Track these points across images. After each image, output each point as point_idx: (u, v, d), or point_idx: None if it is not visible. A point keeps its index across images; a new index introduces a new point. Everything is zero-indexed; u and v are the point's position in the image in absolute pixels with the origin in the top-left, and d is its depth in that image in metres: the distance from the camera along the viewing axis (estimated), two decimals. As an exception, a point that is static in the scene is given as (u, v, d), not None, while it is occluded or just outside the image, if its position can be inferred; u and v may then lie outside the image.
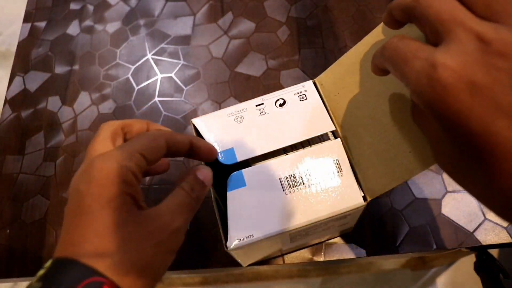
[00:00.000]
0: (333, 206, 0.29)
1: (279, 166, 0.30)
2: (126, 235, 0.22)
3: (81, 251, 0.21)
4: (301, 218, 0.28)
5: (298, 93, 0.33)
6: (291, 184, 0.29)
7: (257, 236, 0.28)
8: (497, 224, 0.40)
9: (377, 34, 0.28)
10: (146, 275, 0.22)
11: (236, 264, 0.41)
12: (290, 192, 0.29)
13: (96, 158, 0.24)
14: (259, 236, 0.28)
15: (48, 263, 0.21)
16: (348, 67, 0.31)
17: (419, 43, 0.18)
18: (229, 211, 0.29)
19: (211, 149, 0.30)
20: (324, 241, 0.40)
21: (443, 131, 0.18)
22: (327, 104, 0.32)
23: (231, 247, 0.28)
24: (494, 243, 0.40)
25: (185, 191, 0.26)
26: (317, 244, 0.40)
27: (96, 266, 0.21)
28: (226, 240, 0.29)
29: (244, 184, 0.29)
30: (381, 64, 0.20)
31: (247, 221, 0.29)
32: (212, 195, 0.31)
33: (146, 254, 0.22)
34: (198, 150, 0.28)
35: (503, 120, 0.15)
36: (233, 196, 0.29)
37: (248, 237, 0.28)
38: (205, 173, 0.28)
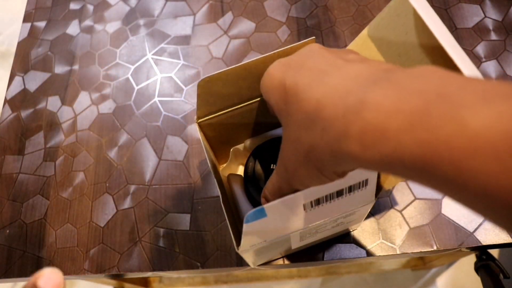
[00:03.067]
0: (345, 205, 0.29)
1: (305, 196, 0.28)
2: None
3: None
4: (313, 219, 0.28)
5: None
6: (313, 204, 0.28)
7: (269, 240, 0.28)
8: (497, 224, 0.40)
9: (373, 27, 0.28)
10: None
11: (236, 264, 0.41)
12: (311, 210, 0.28)
13: None
14: (271, 239, 0.28)
15: None
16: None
17: None
18: (245, 229, 0.28)
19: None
20: (332, 237, 0.40)
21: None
22: None
23: (243, 250, 0.28)
24: (494, 243, 0.40)
25: None
26: (324, 241, 0.40)
27: None
28: (238, 244, 0.28)
29: (264, 216, 0.28)
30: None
31: (261, 232, 0.28)
32: (221, 198, 0.31)
33: None
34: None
35: (289, 71, 0.22)
36: (250, 226, 0.28)
37: (261, 243, 0.28)
38: (50, 281, 0.21)
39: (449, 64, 0.21)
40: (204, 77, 0.28)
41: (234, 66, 0.29)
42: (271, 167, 0.35)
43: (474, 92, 0.14)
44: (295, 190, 0.24)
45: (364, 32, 0.30)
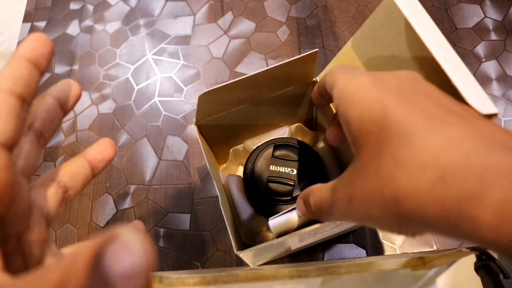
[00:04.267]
0: None
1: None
2: None
3: None
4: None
5: None
6: None
7: (268, 242, 0.28)
8: (497, 224, 0.40)
9: (370, 26, 0.28)
10: None
11: (236, 264, 0.41)
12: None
13: None
14: (271, 242, 0.28)
15: None
16: (347, 62, 0.31)
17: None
18: (249, 256, 0.28)
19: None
20: (332, 237, 0.40)
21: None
22: None
23: (242, 253, 0.28)
24: (494, 243, 0.39)
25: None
26: (324, 241, 0.40)
27: None
28: (237, 246, 0.28)
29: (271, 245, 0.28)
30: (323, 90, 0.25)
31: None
32: (220, 200, 0.31)
33: None
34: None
35: (391, 94, 0.19)
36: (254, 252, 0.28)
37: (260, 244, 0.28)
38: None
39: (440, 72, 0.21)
40: (205, 91, 0.28)
41: (235, 79, 0.29)
42: (270, 168, 0.35)
43: None
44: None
45: (348, 44, 0.30)
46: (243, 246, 0.31)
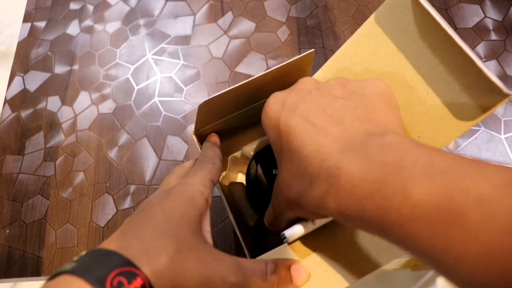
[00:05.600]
0: None
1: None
2: (178, 250, 0.22)
3: (125, 246, 0.21)
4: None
5: None
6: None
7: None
8: (497, 224, 0.40)
9: (370, 26, 0.28)
10: None
11: (236, 264, 0.41)
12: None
13: (176, 184, 0.27)
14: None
15: (88, 251, 0.21)
16: (344, 62, 0.31)
17: None
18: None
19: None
20: None
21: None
22: None
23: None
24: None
25: (264, 267, 0.24)
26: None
27: (135, 261, 0.20)
28: (250, 254, 0.29)
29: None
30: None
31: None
32: (230, 213, 0.31)
33: (188, 277, 0.22)
34: None
35: (283, 111, 0.25)
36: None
37: None
38: (300, 272, 0.25)
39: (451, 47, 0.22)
40: (204, 100, 0.28)
41: (234, 86, 0.29)
42: (274, 172, 0.35)
43: (422, 166, 0.18)
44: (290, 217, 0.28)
45: (371, 19, 0.30)
46: (254, 252, 0.31)
